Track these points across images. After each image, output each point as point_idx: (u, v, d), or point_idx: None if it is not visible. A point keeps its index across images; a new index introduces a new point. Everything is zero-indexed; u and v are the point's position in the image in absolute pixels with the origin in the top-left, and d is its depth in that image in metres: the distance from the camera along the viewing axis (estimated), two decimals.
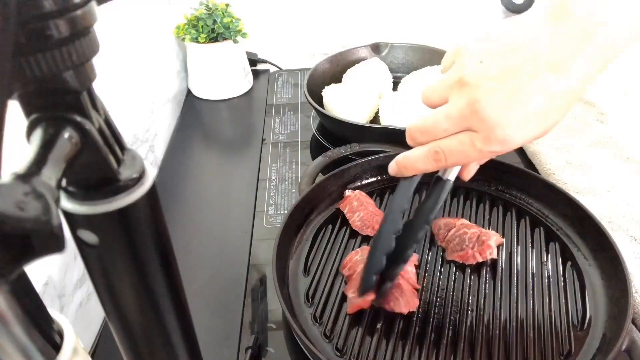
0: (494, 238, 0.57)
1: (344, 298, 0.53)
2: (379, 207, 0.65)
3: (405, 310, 0.50)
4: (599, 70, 0.34)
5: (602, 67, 0.34)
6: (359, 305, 0.50)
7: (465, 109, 0.37)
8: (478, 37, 0.38)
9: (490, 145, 0.37)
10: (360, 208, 0.62)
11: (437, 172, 0.45)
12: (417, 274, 0.54)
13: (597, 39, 0.33)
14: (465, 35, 0.42)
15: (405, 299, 0.50)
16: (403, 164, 0.43)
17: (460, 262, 0.56)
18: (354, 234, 0.61)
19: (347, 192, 0.65)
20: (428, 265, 0.57)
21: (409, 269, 0.54)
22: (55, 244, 0.15)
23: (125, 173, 0.22)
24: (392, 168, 0.45)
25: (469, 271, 0.55)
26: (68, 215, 0.22)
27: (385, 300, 0.51)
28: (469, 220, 0.61)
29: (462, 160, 0.40)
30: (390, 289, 0.50)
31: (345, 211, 0.63)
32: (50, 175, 0.17)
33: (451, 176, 0.45)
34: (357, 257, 0.55)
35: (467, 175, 0.47)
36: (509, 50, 0.36)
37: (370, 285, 0.47)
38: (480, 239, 0.56)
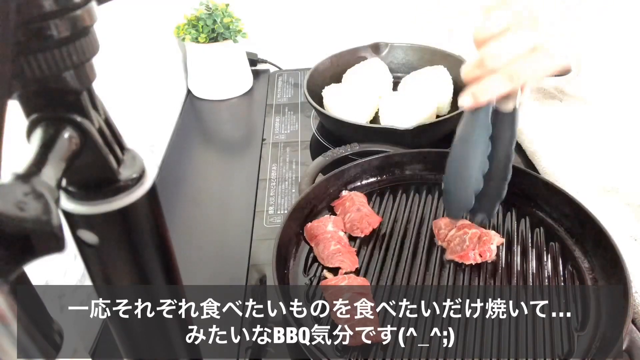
0: (494, 239, 0.56)
1: None
2: (379, 207, 0.65)
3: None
4: None
5: None
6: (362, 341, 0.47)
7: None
8: None
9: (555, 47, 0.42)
10: (351, 209, 0.61)
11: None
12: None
13: None
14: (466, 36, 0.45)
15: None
16: (480, 90, 0.45)
17: (460, 262, 0.56)
18: None
19: (344, 193, 0.65)
20: (428, 265, 0.57)
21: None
22: (55, 244, 0.15)
23: (125, 173, 0.22)
24: (466, 100, 0.46)
25: (469, 271, 0.55)
26: (68, 215, 0.22)
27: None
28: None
29: (534, 75, 0.45)
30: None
31: (337, 212, 0.63)
32: (50, 175, 0.17)
33: (517, 104, 0.47)
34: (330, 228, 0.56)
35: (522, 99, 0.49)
36: None
37: (470, 205, 0.50)
38: (481, 240, 0.56)
